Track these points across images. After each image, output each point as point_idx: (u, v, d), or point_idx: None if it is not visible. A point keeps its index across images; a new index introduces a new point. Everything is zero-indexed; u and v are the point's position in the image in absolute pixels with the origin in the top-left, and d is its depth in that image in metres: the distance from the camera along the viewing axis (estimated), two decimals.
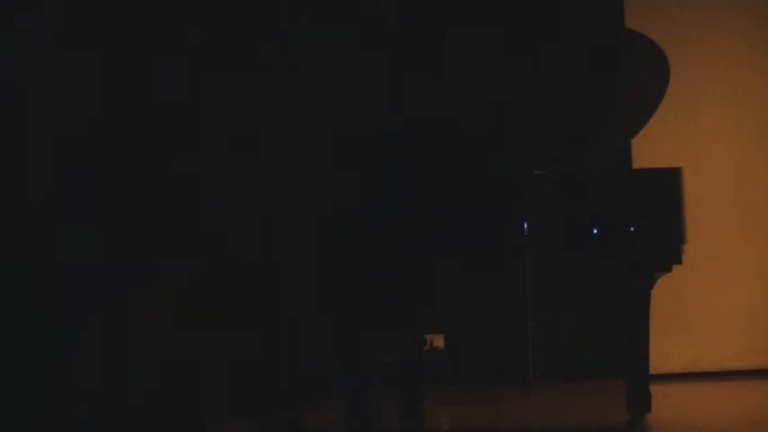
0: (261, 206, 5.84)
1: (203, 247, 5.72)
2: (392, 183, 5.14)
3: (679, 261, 5.12)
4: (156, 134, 5.78)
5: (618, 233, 5.04)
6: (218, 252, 5.74)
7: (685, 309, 6.68)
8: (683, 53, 6.45)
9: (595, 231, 5.03)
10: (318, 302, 5.31)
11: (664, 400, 5.51)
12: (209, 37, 5.96)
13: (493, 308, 6.68)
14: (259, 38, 6.08)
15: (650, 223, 5.06)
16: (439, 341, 6.53)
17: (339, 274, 5.11)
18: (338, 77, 6.14)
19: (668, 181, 5.14)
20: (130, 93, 5.76)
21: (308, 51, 6.14)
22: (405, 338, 5.19)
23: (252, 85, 5.99)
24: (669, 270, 5.15)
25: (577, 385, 6.55)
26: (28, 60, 5.48)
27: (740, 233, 6.77)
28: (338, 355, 5.18)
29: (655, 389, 5.23)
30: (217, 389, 5.70)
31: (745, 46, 6.82)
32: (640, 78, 5.37)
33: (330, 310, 5.20)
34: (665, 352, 6.53)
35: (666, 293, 5.63)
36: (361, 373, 5.09)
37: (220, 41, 5.98)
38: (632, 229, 5.04)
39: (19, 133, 5.48)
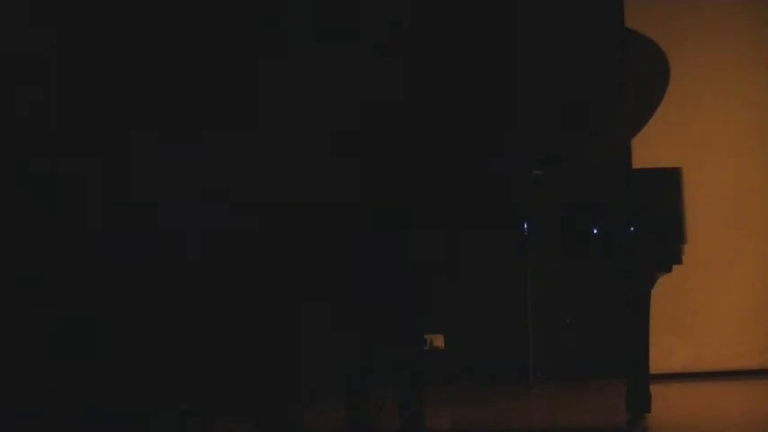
0: (258, 205, 5.84)
1: (203, 245, 5.73)
2: (390, 182, 5.14)
3: (679, 261, 5.12)
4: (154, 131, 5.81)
5: (618, 233, 5.04)
6: (217, 251, 5.74)
7: (685, 309, 6.68)
8: (683, 53, 6.45)
9: (595, 231, 5.03)
10: (318, 303, 5.31)
11: (664, 400, 5.51)
12: (208, 35, 5.98)
13: (493, 308, 6.67)
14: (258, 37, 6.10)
15: (650, 223, 5.07)
16: (439, 341, 6.55)
17: (338, 274, 5.11)
18: (337, 75, 6.15)
19: (668, 181, 5.14)
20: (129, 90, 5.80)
21: (308, 51, 6.15)
22: (405, 339, 5.19)
23: (247, 82, 6.00)
24: (669, 270, 5.15)
25: (577, 385, 6.55)
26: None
27: (740, 233, 6.77)
28: (338, 355, 5.18)
29: (655, 389, 5.23)
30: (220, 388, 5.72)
31: (745, 46, 6.82)
32: (640, 79, 5.37)
33: (330, 311, 5.20)
34: (666, 352, 6.53)
35: (666, 293, 5.63)
36: (362, 374, 5.09)
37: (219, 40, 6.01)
38: (632, 229, 5.04)
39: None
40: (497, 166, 5.27)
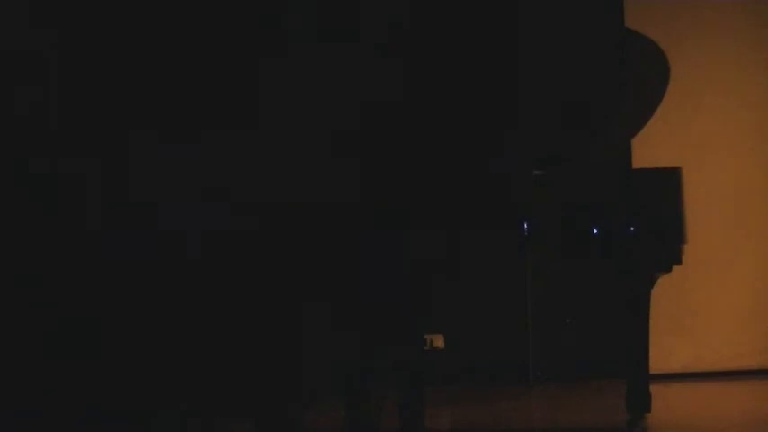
0: (258, 205, 5.84)
1: (203, 246, 5.73)
2: (390, 182, 5.14)
3: (679, 261, 5.12)
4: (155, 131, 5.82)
5: (618, 233, 5.04)
6: (217, 251, 5.74)
7: (686, 309, 6.68)
8: (683, 53, 6.45)
9: (595, 231, 5.03)
10: (318, 303, 5.31)
11: (664, 400, 5.51)
12: (208, 35, 5.98)
13: (493, 308, 6.67)
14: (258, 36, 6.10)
15: (650, 223, 5.07)
16: (439, 341, 6.55)
17: (338, 274, 5.11)
18: (337, 75, 6.15)
19: (668, 181, 5.14)
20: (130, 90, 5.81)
21: (308, 51, 6.15)
22: (405, 339, 5.19)
23: (248, 83, 6.00)
24: (669, 270, 5.15)
25: (577, 385, 6.55)
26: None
27: (740, 233, 6.76)
28: (338, 355, 5.18)
29: (655, 389, 5.23)
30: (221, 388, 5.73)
31: (745, 46, 6.82)
32: (640, 79, 5.37)
33: (330, 311, 5.20)
34: (666, 352, 6.53)
35: (666, 293, 5.63)
36: (362, 374, 5.09)
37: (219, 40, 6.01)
38: (632, 229, 5.04)
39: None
40: (497, 166, 5.27)
